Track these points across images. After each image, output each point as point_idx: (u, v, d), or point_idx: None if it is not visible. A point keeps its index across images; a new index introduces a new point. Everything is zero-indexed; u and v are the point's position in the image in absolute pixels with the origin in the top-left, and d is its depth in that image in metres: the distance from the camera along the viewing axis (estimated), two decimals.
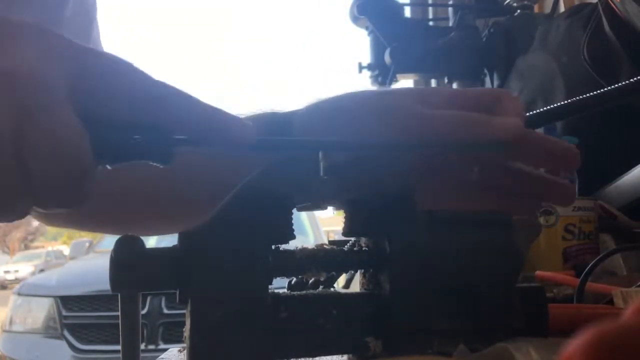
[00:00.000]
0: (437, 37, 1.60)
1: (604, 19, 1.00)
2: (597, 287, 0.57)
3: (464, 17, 1.61)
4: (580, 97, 0.51)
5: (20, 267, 16.80)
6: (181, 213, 0.55)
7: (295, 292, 0.37)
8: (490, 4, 1.65)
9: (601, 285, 0.57)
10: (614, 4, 0.96)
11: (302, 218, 4.45)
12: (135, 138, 0.34)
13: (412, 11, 1.94)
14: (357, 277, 0.40)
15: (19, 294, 3.89)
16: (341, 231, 0.39)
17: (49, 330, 3.58)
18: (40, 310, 3.65)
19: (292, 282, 0.57)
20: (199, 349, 0.33)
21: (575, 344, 0.17)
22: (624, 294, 0.50)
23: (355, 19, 1.67)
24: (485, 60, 1.52)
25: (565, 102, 0.52)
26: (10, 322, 3.77)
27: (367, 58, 1.68)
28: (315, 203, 0.41)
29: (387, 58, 1.58)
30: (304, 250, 0.37)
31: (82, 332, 3.49)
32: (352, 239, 0.39)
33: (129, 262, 0.33)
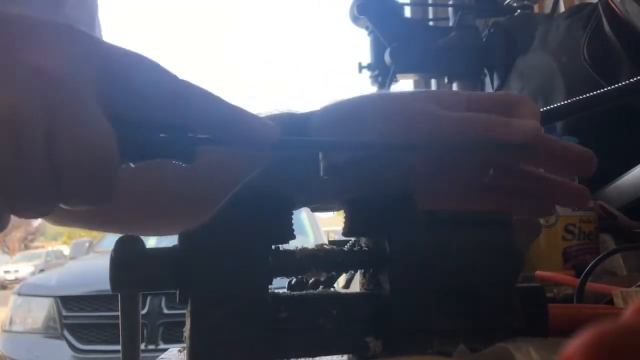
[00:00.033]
0: (437, 37, 1.60)
1: (604, 19, 1.00)
2: (597, 287, 0.57)
3: (464, 17, 1.61)
4: (580, 97, 0.52)
5: (20, 267, 16.79)
6: (195, 212, 0.55)
7: (295, 292, 0.37)
8: (490, 4, 1.65)
9: (601, 285, 0.57)
10: (614, 4, 0.96)
11: (302, 218, 4.45)
12: (161, 137, 0.34)
13: (412, 11, 1.94)
14: (357, 277, 0.40)
15: (19, 294, 3.89)
16: (341, 231, 0.39)
17: (49, 330, 3.57)
18: (40, 310, 3.65)
19: (292, 282, 0.57)
20: (199, 349, 0.33)
21: (575, 344, 0.17)
22: (624, 294, 0.50)
23: (355, 19, 1.67)
24: (485, 60, 1.52)
25: (565, 102, 0.52)
26: (10, 322, 3.77)
27: (367, 58, 1.68)
28: (321, 203, 0.41)
29: (387, 58, 1.58)
30: (304, 250, 0.37)
31: (82, 332, 3.49)
32: (352, 239, 0.39)
33: (129, 262, 0.33)
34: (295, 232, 0.36)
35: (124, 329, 0.34)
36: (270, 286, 0.35)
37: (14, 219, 0.35)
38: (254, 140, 0.36)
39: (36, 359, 3.52)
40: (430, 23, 1.87)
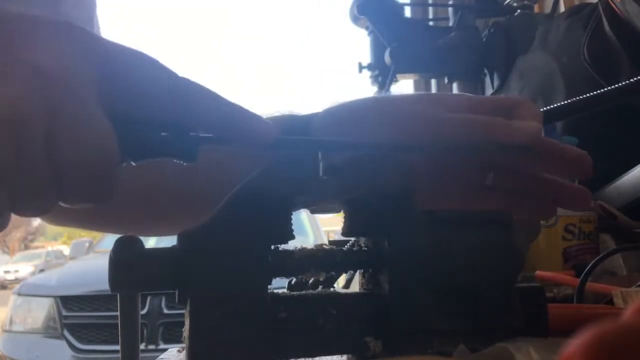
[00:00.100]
0: (437, 37, 1.60)
1: (604, 19, 1.00)
2: (597, 287, 0.57)
3: (464, 17, 1.61)
4: (580, 97, 0.51)
5: (20, 267, 16.79)
6: (193, 212, 0.55)
7: (294, 292, 0.37)
8: (490, 4, 1.65)
9: (601, 285, 0.57)
10: (614, 4, 0.96)
11: (302, 218, 4.45)
12: (162, 135, 0.34)
13: (412, 11, 1.94)
14: (357, 277, 0.40)
15: (19, 294, 3.89)
16: (341, 231, 0.39)
17: (49, 330, 3.57)
18: (40, 310, 3.65)
19: (292, 282, 0.57)
20: (198, 349, 0.33)
21: (575, 344, 0.17)
22: (624, 294, 0.50)
23: (355, 19, 1.67)
24: (485, 60, 1.52)
25: (565, 102, 0.52)
26: (10, 322, 3.77)
27: (367, 58, 1.68)
28: (320, 204, 0.41)
29: (387, 58, 1.58)
30: (303, 250, 0.37)
31: (82, 332, 3.49)
32: (352, 239, 0.39)
33: (128, 262, 0.33)
34: (295, 232, 0.36)
35: (123, 329, 0.34)
36: (269, 286, 0.35)
37: (14, 218, 0.35)
38: (254, 139, 0.36)
39: (36, 359, 3.52)
40: (430, 23, 1.86)
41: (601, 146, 0.95)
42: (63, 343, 3.49)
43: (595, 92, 0.52)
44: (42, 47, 0.31)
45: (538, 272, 0.67)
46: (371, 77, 1.66)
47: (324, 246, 0.39)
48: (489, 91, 1.49)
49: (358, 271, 0.40)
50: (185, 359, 0.34)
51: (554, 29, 1.17)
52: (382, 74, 1.63)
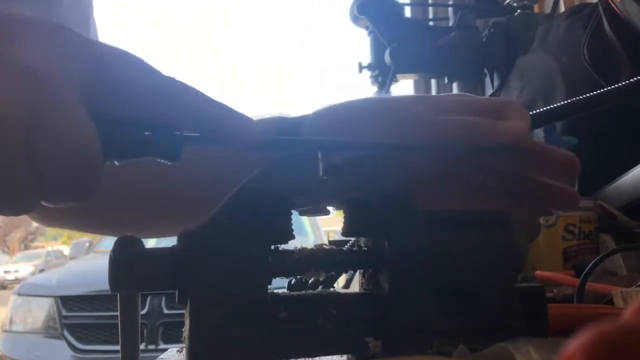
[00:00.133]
0: (437, 37, 1.60)
1: (604, 19, 1.00)
2: (597, 287, 0.57)
3: (464, 17, 1.61)
4: (580, 97, 0.51)
5: (20, 267, 16.79)
6: (181, 214, 0.55)
7: (294, 292, 0.37)
8: (490, 4, 1.65)
9: (601, 285, 0.57)
10: (614, 4, 0.96)
11: (302, 218, 4.44)
12: (146, 135, 0.34)
13: (412, 11, 1.94)
14: (357, 277, 0.40)
15: (19, 294, 3.89)
16: (341, 231, 0.39)
17: (49, 330, 3.57)
18: (40, 310, 3.65)
19: (292, 282, 0.57)
20: (198, 349, 0.33)
21: (575, 344, 0.17)
22: (624, 294, 0.50)
23: (355, 19, 1.67)
24: (485, 60, 1.52)
25: (565, 102, 0.52)
26: (10, 322, 3.77)
27: (367, 58, 1.68)
28: (315, 206, 0.41)
29: (387, 58, 1.58)
30: (303, 250, 0.37)
31: (82, 332, 3.49)
32: (352, 239, 0.39)
33: (128, 262, 0.33)
34: (295, 232, 0.36)
35: (123, 329, 0.34)
36: (269, 286, 0.35)
37: (14, 218, 0.35)
38: (240, 139, 0.36)
39: (36, 359, 3.52)
40: (430, 23, 1.86)
41: (601, 146, 0.95)
42: (63, 343, 3.49)
43: (595, 92, 0.52)
44: (32, 48, 0.31)
45: (538, 272, 0.67)
46: (371, 77, 1.66)
47: (324, 246, 0.39)
48: (489, 91, 1.50)
49: (358, 271, 0.40)
50: (185, 359, 0.34)
51: (554, 29, 1.17)
52: (382, 74, 1.63)
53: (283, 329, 0.35)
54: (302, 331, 0.35)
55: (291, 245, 0.37)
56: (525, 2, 1.55)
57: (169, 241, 0.36)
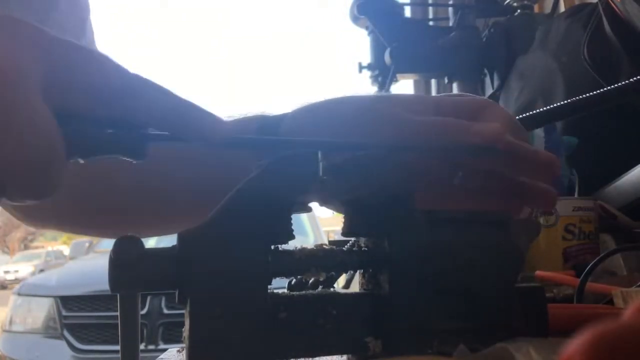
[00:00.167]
0: (437, 37, 1.60)
1: (604, 19, 1.00)
2: (597, 287, 0.57)
3: (464, 17, 1.61)
4: (580, 97, 0.52)
5: (20, 267, 16.79)
6: (168, 216, 0.55)
7: (294, 292, 0.37)
8: (490, 4, 1.65)
9: (601, 285, 0.57)
10: (614, 4, 0.96)
11: (302, 218, 4.45)
12: (109, 132, 0.34)
13: (412, 11, 1.94)
14: (357, 277, 0.40)
15: (19, 294, 3.89)
16: (341, 231, 0.39)
17: (49, 330, 3.58)
18: (40, 310, 3.65)
19: (292, 282, 0.57)
20: (198, 349, 0.33)
21: (575, 344, 0.17)
22: (624, 294, 0.50)
23: (355, 19, 1.67)
24: (485, 60, 1.52)
25: (565, 102, 0.52)
26: (10, 322, 3.77)
27: (367, 58, 1.68)
28: (306, 204, 0.41)
29: (387, 58, 1.58)
30: (303, 250, 0.37)
31: (82, 332, 3.49)
32: (352, 239, 0.39)
33: (128, 262, 0.33)
34: (295, 232, 0.36)
35: (123, 329, 0.34)
36: (270, 286, 0.35)
37: (14, 218, 0.35)
38: (205, 137, 0.36)
39: (36, 359, 3.52)
40: (430, 23, 1.87)
41: (601, 146, 0.95)
42: (63, 343, 3.49)
43: (595, 92, 0.52)
44: None
45: (538, 272, 0.67)
46: (371, 77, 1.66)
47: (324, 246, 0.39)
48: (489, 91, 1.50)
49: (358, 271, 0.40)
50: (185, 359, 0.34)
51: (554, 29, 1.17)
52: (382, 74, 1.63)
53: (283, 329, 0.35)
54: (302, 331, 0.35)
55: (291, 245, 0.37)
56: (525, 2, 1.55)
57: (169, 241, 0.36)
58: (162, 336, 3.30)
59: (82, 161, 0.34)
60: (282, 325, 0.35)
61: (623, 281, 0.60)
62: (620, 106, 0.78)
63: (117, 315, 0.34)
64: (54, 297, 3.61)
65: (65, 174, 0.32)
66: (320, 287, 0.49)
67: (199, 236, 0.34)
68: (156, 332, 3.30)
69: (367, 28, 1.67)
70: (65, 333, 3.51)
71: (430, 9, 1.93)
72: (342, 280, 0.61)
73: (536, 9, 1.64)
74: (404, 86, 1.83)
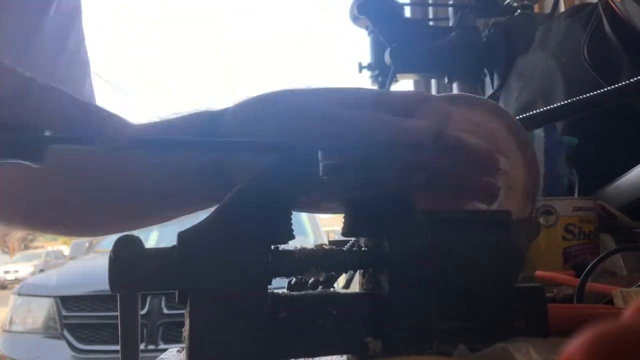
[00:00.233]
0: (437, 37, 1.60)
1: (604, 19, 1.00)
2: (597, 287, 0.57)
3: (464, 17, 1.61)
4: (580, 97, 0.52)
5: (20, 267, 16.78)
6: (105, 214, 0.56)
7: (294, 292, 0.37)
8: (490, 4, 1.65)
9: (601, 285, 0.57)
10: (614, 4, 0.96)
11: (302, 218, 4.45)
12: (7, 136, 0.33)
13: (412, 11, 1.94)
14: (357, 277, 0.40)
15: (19, 294, 3.89)
16: (341, 231, 0.39)
17: (49, 330, 3.57)
18: (40, 310, 3.65)
19: (292, 282, 0.57)
20: (198, 349, 0.33)
21: (575, 344, 0.17)
22: (624, 294, 0.50)
23: (355, 19, 1.67)
24: (485, 60, 1.52)
25: (565, 102, 0.52)
26: (10, 322, 3.77)
27: (367, 58, 1.68)
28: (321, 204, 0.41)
29: (387, 58, 1.58)
30: (303, 250, 0.37)
31: (82, 332, 3.49)
32: (352, 239, 0.39)
33: (128, 262, 0.33)
34: (295, 232, 0.36)
35: (123, 329, 0.34)
36: (270, 286, 0.35)
37: None
38: (106, 138, 0.35)
39: (36, 359, 3.52)
40: (430, 23, 1.86)
41: (601, 146, 0.95)
42: (63, 343, 3.49)
43: (595, 92, 0.52)
44: None
45: (538, 272, 0.67)
46: (371, 77, 1.66)
47: (324, 246, 0.39)
48: (489, 91, 1.50)
49: (358, 271, 0.40)
50: (185, 359, 0.34)
51: (554, 29, 1.17)
52: (382, 74, 1.63)
53: (283, 329, 0.35)
54: (302, 331, 0.35)
55: (291, 245, 0.37)
56: (525, 2, 1.55)
57: (169, 241, 0.36)
58: (162, 336, 3.30)
59: None
60: (282, 325, 0.35)
61: (623, 281, 0.60)
62: (620, 106, 0.78)
63: (117, 315, 0.34)
64: (54, 297, 3.61)
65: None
66: (320, 287, 0.49)
67: (199, 236, 0.34)
68: (156, 332, 3.30)
69: (367, 28, 1.67)
70: (65, 333, 3.51)
71: (430, 9, 1.92)
72: (342, 280, 0.61)
73: (536, 9, 1.64)
74: (404, 86, 1.83)
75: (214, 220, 0.34)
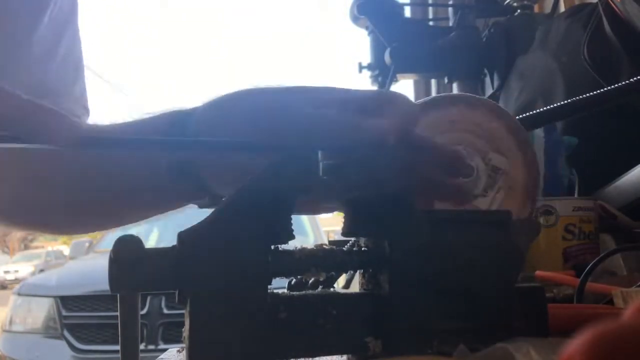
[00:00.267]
0: (437, 37, 1.59)
1: (604, 19, 1.00)
2: (597, 287, 0.57)
3: (464, 17, 1.61)
4: (580, 97, 0.52)
5: (20, 267, 16.78)
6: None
7: (294, 292, 0.37)
8: (490, 4, 1.65)
9: (601, 285, 0.57)
10: (614, 4, 0.96)
11: (302, 218, 4.45)
12: None
13: (412, 11, 1.94)
14: (357, 277, 0.40)
15: (19, 294, 3.89)
16: (341, 231, 0.39)
17: (49, 330, 3.57)
18: (40, 310, 3.65)
19: (292, 282, 0.57)
20: (198, 349, 0.33)
21: (575, 344, 0.17)
22: (624, 294, 0.50)
23: (355, 19, 1.67)
24: (485, 60, 1.52)
25: (565, 102, 0.52)
26: (10, 322, 3.77)
27: (367, 58, 1.68)
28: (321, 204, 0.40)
29: (387, 58, 1.58)
30: (303, 250, 0.37)
31: (82, 332, 3.49)
32: (352, 239, 0.39)
33: (128, 262, 0.33)
34: (295, 232, 0.36)
35: (123, 329, 0.34)
36: (270, 286, 0.35)
37: None
38: (50, 137, 0.36)
39: (36, 359, 3.52)
40: (430, 23, 1.86)
41: (601, 146, 0.95)
42: (63, 343, 3.49)
43: (595, 92, 0.52)
44: None
45: (538, 272, 0.67)
46: (371, 77, 1.66)
47: (324, 246, 0.39)
48: (489, 91, 1.50)
49: (358, 271, 0.40)
50: (185, 359, 0.34)
51: (554, 29, 1.17)
52: (382, 74, 1.63)
53: (283, 329, 0.35)
54: (302, 331, 0.35)
55: (291, 245, 0.37)
56: (525, 2, 1.55)
57: (169, 241, 0.36)
58: (162, 336, 3.30)
59: None
60: (282, 325, 0.35)
61: (623, 281, 0.60)
62: (620, 106, 0.78)
63: (117, 315, 0.34)
64: (54, 297, 3.61)
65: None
66: (320, 287, 0.49)
67: (199, 236, 0.34)
68: (156, 332, 3.30)
69: (367, 28, 1.67)
70: (65, 333, 3.51)
71: (430, 9, 1.92)
72: (342, 280, 0.61)
73: (536, 9, 1.64)
74: (404, 86, 1.83)
75: (214, 220, 0.34)
